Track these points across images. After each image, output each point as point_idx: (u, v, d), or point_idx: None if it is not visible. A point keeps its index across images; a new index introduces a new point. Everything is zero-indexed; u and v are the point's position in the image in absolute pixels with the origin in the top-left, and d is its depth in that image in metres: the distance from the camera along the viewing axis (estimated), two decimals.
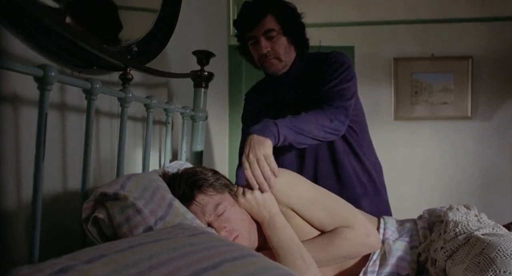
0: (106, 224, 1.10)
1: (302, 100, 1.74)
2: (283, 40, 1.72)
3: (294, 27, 1.74)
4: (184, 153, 1.91)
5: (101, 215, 1.10)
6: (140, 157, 1.68)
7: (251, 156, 1.33)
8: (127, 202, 1.09)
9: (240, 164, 1.40)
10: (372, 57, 4.07)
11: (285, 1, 1.78)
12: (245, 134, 1.85)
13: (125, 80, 1.35)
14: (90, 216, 1.12)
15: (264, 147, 1.34)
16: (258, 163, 1.31)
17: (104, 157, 1.49)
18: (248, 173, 1.31)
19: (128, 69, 1.35)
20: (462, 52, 4.04)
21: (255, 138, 1.37)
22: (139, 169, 1.65)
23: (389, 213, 1.83)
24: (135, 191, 1.13)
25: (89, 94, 1.14)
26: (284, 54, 1.74)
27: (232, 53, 3.45)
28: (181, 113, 1.88)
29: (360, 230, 1.31)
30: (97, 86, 1.14)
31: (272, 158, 1.34)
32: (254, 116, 1.85)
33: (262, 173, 1.31)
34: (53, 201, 1.24)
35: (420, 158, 4.09)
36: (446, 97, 4.05)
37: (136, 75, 1.63)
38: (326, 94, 1.67)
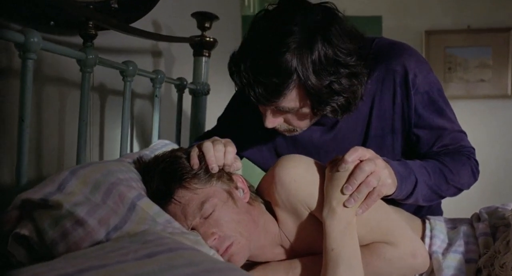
0: (35, 241, 0.81)
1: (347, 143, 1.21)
2: (304, 111, 1.10)
3: (333, 92, 1.05)
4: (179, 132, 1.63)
5: (25, 230, 0.80)
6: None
7: (360, 175, 0.95)
8: (61, 210, 0.80)
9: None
10: (402, 29, 3.82)
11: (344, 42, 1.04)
12: (224, 125, 1.39)
13: (87, 38, 1.04)
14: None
15: (383, 187, 0.98)
16: (362, 185, 0.96)
17: (70, 138, 1.21)
18: (340, 183, 0.97)
19: (91, 23, 1.03)
20: (501, 24, 3.83)
21: (389, 171, 1.00)
22: (117, 154, 1.36)
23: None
24: (79, 192, 0.84)
25: (23, 51, 0.84)
26: (301, 124, 1.15)
27: (246, 24, 3.29)
28: (176, 85, 1.59)
29: (406, 250, 1.02)
30: (35, 39, 0.83)
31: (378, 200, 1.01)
32: (254, 134, 1.30)
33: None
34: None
35: None
36: (484, 73, 3.86)
37: (118, 39, 1.38)
38: (445, 134, 1.19)
